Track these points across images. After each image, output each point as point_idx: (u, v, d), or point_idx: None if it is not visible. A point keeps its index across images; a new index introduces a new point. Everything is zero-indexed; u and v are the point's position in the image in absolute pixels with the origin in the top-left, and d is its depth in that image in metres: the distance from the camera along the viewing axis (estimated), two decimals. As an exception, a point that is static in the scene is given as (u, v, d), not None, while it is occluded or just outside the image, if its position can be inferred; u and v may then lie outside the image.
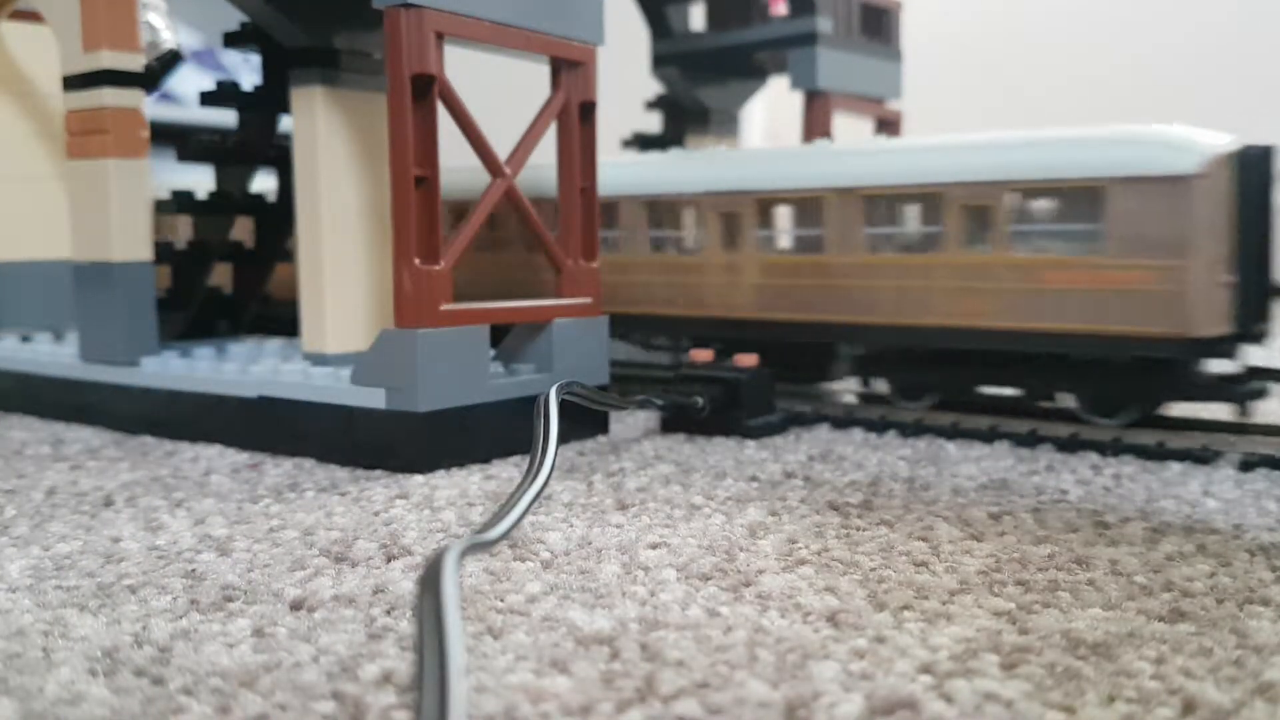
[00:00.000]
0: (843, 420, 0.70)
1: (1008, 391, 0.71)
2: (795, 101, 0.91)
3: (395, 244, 0.57)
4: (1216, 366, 0.64)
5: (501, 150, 0.61)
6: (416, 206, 0.56)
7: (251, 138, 0.72)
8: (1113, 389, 0.65)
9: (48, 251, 0.83)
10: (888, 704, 0.28)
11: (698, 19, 0.98)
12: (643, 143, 1.01)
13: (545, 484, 0.45)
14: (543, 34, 0.62)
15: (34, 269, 0.84)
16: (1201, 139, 0.59)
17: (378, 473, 0.58)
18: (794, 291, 0.73)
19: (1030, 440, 0.64)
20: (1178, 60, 1.43)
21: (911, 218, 0.70)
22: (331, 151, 0.64)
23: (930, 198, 0.67)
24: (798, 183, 0.73)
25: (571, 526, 0.46)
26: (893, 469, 0.58)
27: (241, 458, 0.62)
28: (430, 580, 0.29)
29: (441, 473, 0.57)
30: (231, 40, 0.69)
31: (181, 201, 0.72)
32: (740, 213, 0.75)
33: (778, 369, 0.73)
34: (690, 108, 0.99)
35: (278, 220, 0.74)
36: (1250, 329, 0.60)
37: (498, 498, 0.51)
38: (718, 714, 0.28)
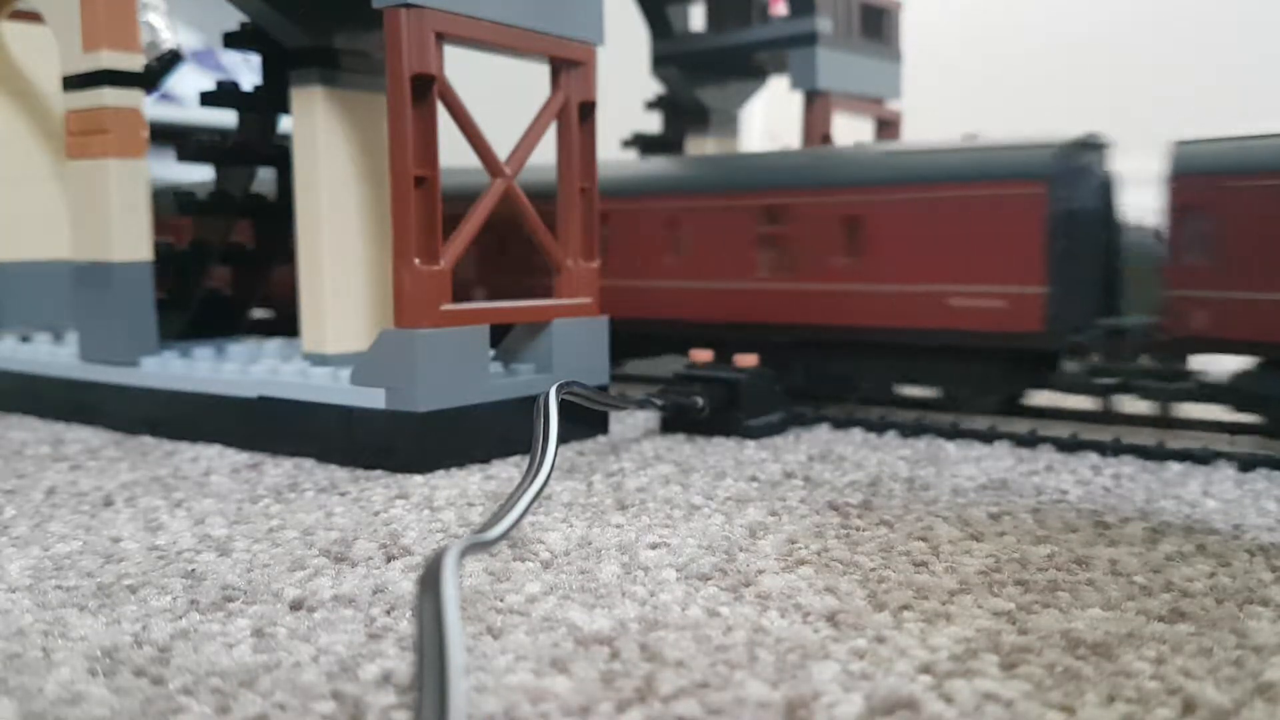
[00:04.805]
0: (842, 420, 0.70)
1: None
2: (795, 101, 0.91)
3: (395, 244, 0.57)
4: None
5: (501, 150, 0.61)
6: (416, 206, 0.56)
7: (251, 138, 0.72)
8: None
9: (48, 251, 0.83)
10: (888, 704, 0.28)
11: (698, 19, 0.98)
12: (643, 143, 1.01)
13: (545, 484, 0.45)
14: (543, 34, 0.62)
15: (34, 269, 0.84)
16: None
17: (377, 473, 0.58)
18: None
19: (1030, 440, 0.64)
20: (1178, 59, 1.43)
21: None
22: (331, 151, 0.64)
23: None
24: None
25: (571, 526, 0.46)
26: (893, 469, 0.58)
27: (241, 458, 0.62)
28: (430, 580, 0.29)
29: (441, 473, 0.57)
30: (231, 40, 0.69)
31: (182, 202, 0.72)
32: None
33: None
34: (690, 108, 0.99)
35: (278, 220, 0.74)
36: None
37: (498, 498, 0.51)
38: (718, 714, 0.28)
